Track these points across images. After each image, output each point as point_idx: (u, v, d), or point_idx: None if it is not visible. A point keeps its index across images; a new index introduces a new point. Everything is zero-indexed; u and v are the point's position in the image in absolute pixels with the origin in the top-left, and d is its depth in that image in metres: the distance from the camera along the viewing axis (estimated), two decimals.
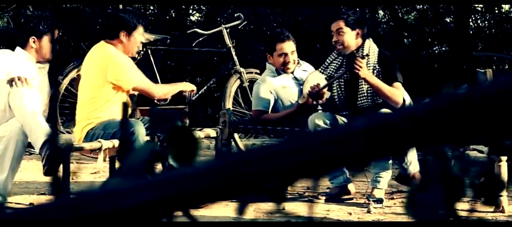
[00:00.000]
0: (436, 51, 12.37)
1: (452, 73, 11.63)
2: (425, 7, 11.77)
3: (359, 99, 4.70)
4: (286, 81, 5.07)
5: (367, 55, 4.68)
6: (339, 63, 4.81)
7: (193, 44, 6.12)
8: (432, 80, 11.12)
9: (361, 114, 4.72)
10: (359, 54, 4.67)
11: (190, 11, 11.69)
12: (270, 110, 5.01)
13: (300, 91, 4.96)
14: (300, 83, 5.04)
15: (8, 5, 9.27)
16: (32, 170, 6.03)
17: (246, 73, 6.05)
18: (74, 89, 6.04)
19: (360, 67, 4.55)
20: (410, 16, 12.43)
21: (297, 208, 4.37)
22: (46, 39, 4.50)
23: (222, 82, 6.15)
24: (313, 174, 0.80)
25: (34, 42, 4.47)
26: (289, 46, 5.03)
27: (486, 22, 12.16)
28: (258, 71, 6.15)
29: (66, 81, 5.95)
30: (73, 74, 5.94)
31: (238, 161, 0.81)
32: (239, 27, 6.13)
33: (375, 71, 4.67)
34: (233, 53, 6.00)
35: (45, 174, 4.06)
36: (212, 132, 4.74)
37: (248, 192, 0.85)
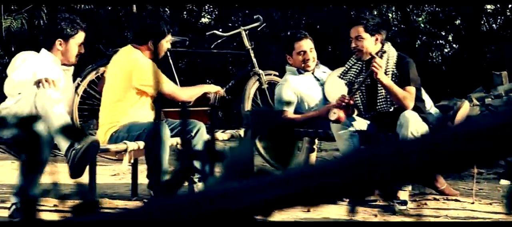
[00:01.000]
0: (447, 53, 12.37)
1: (463, 75, 11.62)
2: (436, 9, 11.77)
3: (378, 103, 4.70)
4: (308, 81, 5.08)
5: (384, 52, 4.67)
6: (359, 68, 4.79)
7: (212, 46, 6.11)
8: (442, 83, 11.12)
9: (381, 117, 4.72)
10: (378, 54, 4.67)
11: (202, 14, 11.70)
12: (293, 111, 5.01)
13: (322, 90, 4.98)
14: (321, 83, 5.06)
15: (22, 7, 9.29)
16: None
17: (265, 75, 6.03)
18: (93, 91, 6.04)
19: (379, 67, 4.55)
20: (420, 18, 12.42)
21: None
22: (72, 42, 4.50)
23: (239, 85, 6.13)
24: (444, 172, 0.80)
25: (60, 44, 4.48)
26: (307, 44, 5.07)
27: (497, 24, 12.16)
28: (277, 73, 6.13)
29: (84, 84, 5.93)
30: (91, 76, 5.92)
31: (369, 159, 0.80)
32: (258, 29, 6.12)
33: (393, 75, 4.66)
34: (252, 55, 5.97)
35: (71, 176, 4.05)
36: (235, 133, 4.74)
37: (371, 192, 0.85)
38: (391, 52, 4.72)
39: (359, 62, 4.79)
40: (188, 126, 4.43)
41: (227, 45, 7.63)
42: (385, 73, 4.63)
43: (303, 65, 5.07)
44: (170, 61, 5.99)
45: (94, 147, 4.02)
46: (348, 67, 4.83)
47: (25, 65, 4.34)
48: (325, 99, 5.05)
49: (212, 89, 4.80)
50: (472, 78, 11.24)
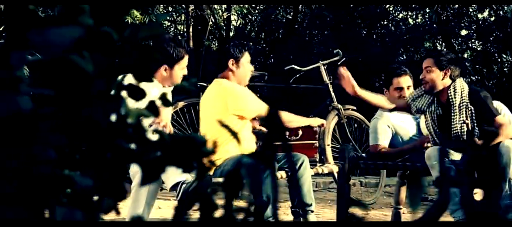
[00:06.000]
0: (494, 89, 12.30)
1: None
2: (482, 47, 11.76)
3: (453, 130, 4.62)
4: (403, 116, 5.02)
5: (455, 87, 4.61)
6: (430, 100, 4.72)
7: (291, 81, 6.09)
8: None
9: (474, 149, 4.63)
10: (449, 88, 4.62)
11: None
12: (388, 145, 4.96)
13: (418, 124, 4.90)
14: (416, 117, 4.99)
15: None
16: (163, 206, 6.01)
17: (344, 109, 5.99)
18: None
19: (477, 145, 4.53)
20: (466, 55, 12.39)
21: None
22: (177, 68, 4.37)
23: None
24: None
25: (165, 70, 4.36)
26: (405, 81, 5.03)
27: None
28: (354, 107, 6.09)
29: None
30: None
31: None
32: (339, 63, 6.09)
33: (468, 110, 4.58)
34: (331, 89, 5.94)
35: (179, 211, 3.98)
36: (334, 168, 4.69)
37: None
38: (464, 88, 4.63)
39: (429, 94, 4.72)
40: (292, 159, 4.38)
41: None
42: (459, 107, 4.55)
43: None
44: None
45: (207, 181, 3.95)
46: (417, 94, 4.75)
47: None
48: (419, 134, 4.99)
49: (315, 122, 4.75)
50: None
